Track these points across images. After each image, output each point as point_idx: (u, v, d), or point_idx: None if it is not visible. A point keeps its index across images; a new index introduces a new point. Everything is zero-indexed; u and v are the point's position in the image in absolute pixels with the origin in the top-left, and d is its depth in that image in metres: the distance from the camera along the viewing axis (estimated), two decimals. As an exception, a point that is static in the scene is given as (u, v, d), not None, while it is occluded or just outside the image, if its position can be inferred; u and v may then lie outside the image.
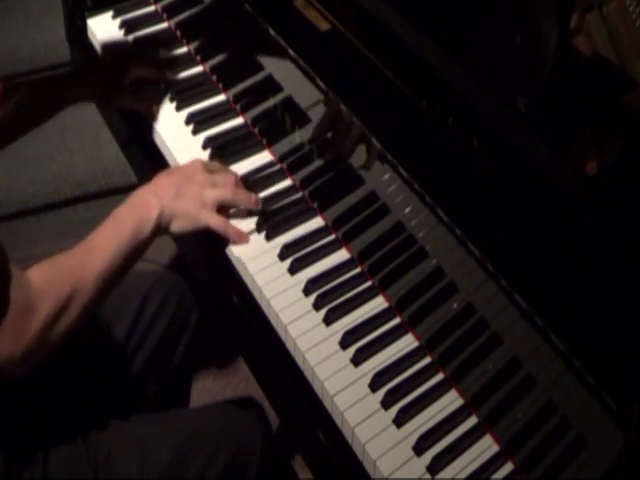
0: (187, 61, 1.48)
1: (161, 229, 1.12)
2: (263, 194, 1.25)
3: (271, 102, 1.33)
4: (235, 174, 1.22)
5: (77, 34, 1.59)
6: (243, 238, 1.19)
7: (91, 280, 1.02)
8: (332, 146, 1.21)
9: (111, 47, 1.49)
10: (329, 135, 1.21)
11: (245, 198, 1.20)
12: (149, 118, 1.39)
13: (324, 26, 1.16)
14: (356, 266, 1.17)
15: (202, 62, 1.47)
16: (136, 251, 1.09)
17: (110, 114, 1.57)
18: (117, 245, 1.06)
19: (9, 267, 0.94)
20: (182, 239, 1.44)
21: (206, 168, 1.19)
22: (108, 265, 1.04)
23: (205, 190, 1.15)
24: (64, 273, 1.01)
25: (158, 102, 1.40)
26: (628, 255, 0.87)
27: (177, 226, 1.14)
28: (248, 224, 1.21)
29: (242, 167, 1.29)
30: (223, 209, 1.19)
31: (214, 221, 1.16)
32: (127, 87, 1.38)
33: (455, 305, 1.05)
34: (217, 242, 1.22)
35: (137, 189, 1.14)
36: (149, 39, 1.52)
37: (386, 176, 1.12)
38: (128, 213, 1.11)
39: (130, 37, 1.53)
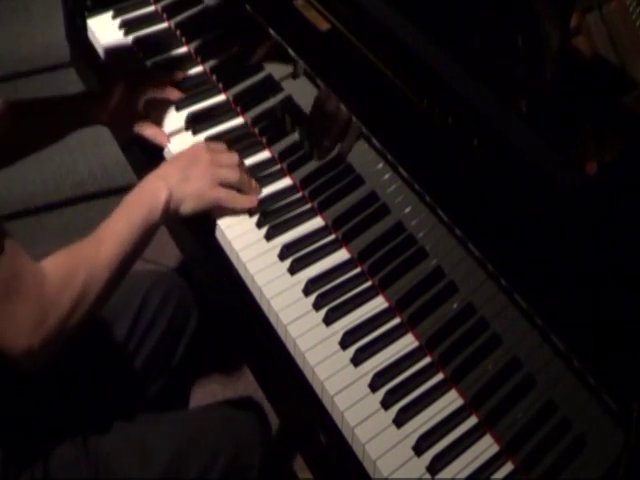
0: (187, 61, 1.48)
1: (171, 212, 1.14)
2: (263, 194, 1.25)
3: (271, 102, 1.33)
4: (237, 155, 1.24)
5: (77, 34, 1.59)
6: (253, 201, 1.22)
7: (105, 267, 1.04)
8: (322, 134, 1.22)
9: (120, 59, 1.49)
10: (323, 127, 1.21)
11: (247, 182, 1.22)
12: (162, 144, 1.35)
13: (324, 26, 1.16)
14: (356, 266, 1.17)
15: (202, 62, 1.47)
16: (147, 236, 1.11)
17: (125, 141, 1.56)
18: (129, 231, 1.08)
19: (24, 260, 0.95)
20: (182, 239, 1.44)
21: (210, 148, 1.21)
22: (121, 251, 1.06)
23: (211, 169, 1.18)
24: (79, 262, 1.02)
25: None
26: (628, 255, 0.87)
27: (187, 207, 1.16)
28: (248, 224, 1.21)
29: (242, 167, 1.29)
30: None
31: (223, 196, 1.19)
32: (140, 111, 1.36)
33: (455, 305, 1.05)
34: (217, 241, 1.22)
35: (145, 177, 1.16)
36: (163, 62, 1.50)
37: (386, 176, 1.12)
38: (138, 199, 1.12)
39: (130, 37, 1.53)
